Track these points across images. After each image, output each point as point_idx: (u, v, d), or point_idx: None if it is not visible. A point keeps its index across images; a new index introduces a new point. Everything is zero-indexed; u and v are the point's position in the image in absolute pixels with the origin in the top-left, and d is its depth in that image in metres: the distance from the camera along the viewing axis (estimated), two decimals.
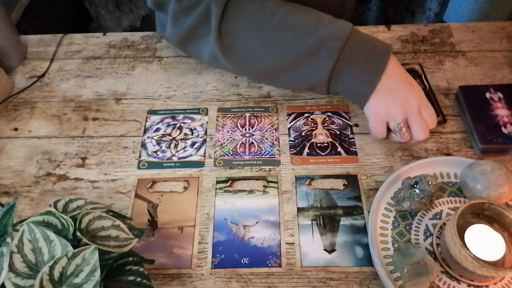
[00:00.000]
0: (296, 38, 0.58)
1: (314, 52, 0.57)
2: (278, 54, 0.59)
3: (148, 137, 0.65)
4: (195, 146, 0.64)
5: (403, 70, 0.59)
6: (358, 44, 0.57)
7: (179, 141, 0.65)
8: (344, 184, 0.59)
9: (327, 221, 0.56)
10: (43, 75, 0.74)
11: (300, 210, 0.57)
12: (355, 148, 0.63)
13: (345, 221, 0.56)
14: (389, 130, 0.59)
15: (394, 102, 0.56)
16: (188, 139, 0.65)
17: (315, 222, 0.56)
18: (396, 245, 0.53)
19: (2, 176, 0.62)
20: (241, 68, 0.66)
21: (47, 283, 0.37)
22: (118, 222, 0.43)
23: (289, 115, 0.67)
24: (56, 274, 0.38)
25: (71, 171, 0.62)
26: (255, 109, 0.68)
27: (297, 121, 0.67)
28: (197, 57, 0.72)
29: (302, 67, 0.59)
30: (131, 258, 0.44)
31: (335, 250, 0.53)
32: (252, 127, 0.66)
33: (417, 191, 0.54)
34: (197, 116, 0.68)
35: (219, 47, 0.62)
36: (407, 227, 0.54)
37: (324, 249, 0.53)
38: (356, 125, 0.66)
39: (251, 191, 0.59)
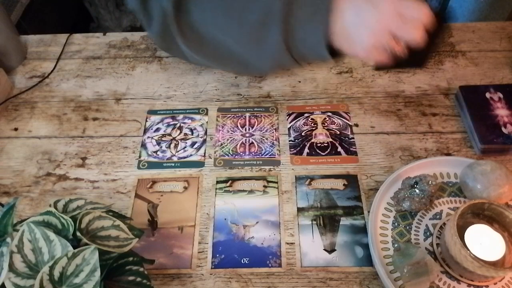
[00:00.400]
0: (244, 10, 0.54)
1: (263, 23, 0.53)
2: (236, 27, 0.55)
3: (148, 137, 0.65)
4: (195, 146, 0.64)
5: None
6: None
7: (179, 141, 0.65)
8: (344, 184, 0.59)
9: (327, 221, 0.56)
10: (48, 76, 0.74)
11: (300, 210, 0.57)
12: (355, 148, 0.63)
13: (345, 221, 0.56)
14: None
15: (365, 12, 0.49)
16: (188, 139, 0.65)
17: (315, 222, 0.56)
18: (396, 245, 0.53)
19: (2, 176, 0.62)
20: (205, 53, 0.62)
21: (47, 283, 0.37)
22: (118, 222, 0.43)
23: (289, 115, 0.67)
24: (56, 274, 0.38)
25: (71, 171, 0.62)
26: (255, 109, 0.68)
27: (297, 121, 0.67)
28: (184, 59, 0.70)
29: (259, 40, 0.55)
30: (131, 258, 0.44)
31: (335, 250, 0.53)
32: (252, 127, 0.66)
33: (417, 191, 0.54)
34: (197, 116, 0.68)
35: (183, 42, 0.60)
36: (407, 227, 0.54)
37: (324, 249, 0.53)
38: (356, 125, 0.66)
39: (251, 191, 0.59)
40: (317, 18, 0.51)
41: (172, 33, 0.59)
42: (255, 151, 0.63)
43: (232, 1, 0.54)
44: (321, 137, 0.65)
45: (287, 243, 0.54)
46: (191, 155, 0.63)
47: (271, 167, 0.61)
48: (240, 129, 0.66)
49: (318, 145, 0.64)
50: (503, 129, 0.61)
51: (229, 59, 0.61)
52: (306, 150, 0.63)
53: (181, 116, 0.68)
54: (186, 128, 0.66)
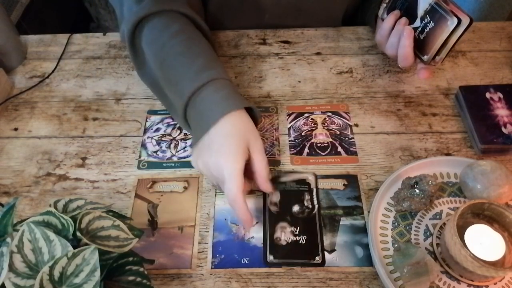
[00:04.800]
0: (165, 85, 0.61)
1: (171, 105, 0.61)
2: (160, 81, 0.62)
3: (148, 137, 0.65)
4: None
5: (235, 134, 0.51)
6: (196, 108, 0.55)
7: (179, 141, 0.65)
8: (344, 184, 0.59)
9: (327, 221, 0.56)
10: (48, 76, 0.74)
11: None
12: (355, 148, 0.63)
13: (345, 221, 0.56)
14: None
15: (207, 160, 0.52)
16: (188, 139, 0.65)
17: None
18: (396, 245, 0.53)
19: (2, 176, 0.62)
20: (146, 80, 0.68)
21: (47, 283, 0.37)
22: (118, 222, 0.43)
23: (289, 115, 0.67)
24: (56, 274, 0.38)
25: (71, 171, 0.62)
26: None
27: (297, 121, 0.67)
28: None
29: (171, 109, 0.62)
30: (131, 258, 0.44)
31: (335, 250, 0.53)
32: None
33: (417, 191, 0.54)
34: None
35: (135, 66, 0.67)
36: (407, 227, 0.54)
37: (324, 249, 0.53)
38: (356, 125, 0.66)
39: (251, 191, 0.59)
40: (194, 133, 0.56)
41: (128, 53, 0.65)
42: None
43: (165, 58, 0.59)
44: (321, 137, 0.65)
45: None
46: (191, 155, 0.63)
47: (271, 167, 0.61)
48: None
49: (318, 145, 0.64)
50: (503, 129, 0.61)
51: (160, 93, 0.65)
52: (306, 150, 0.63)
53: None
54: None
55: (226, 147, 0.50)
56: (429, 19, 0.60)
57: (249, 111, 0.55)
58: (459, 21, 0.56)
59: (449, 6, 0.57)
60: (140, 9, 0.61)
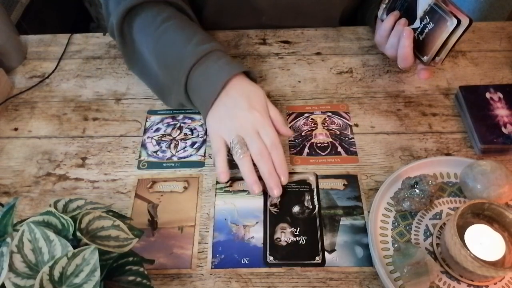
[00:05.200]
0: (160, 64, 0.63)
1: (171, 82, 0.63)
2: (157, 62, 0.64)
3: (148, 137, 0.65)
4: (195, 146, 0.64)
5: (249, 90, 0.59)
6: (201, 72, 0.60)
7: (179, 141, 0.65)
8: (344, 184, 0.59)
9: (327, 221, 0.56)
10: (48, 76, 0.74)
11: None
12: (355, 148, 0.63)
13: (345, 221, 0.56)
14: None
15: (226, 120, 0.57)
16: (188, 139, 0.65)
17: None
18: (396, 245, 0.53)
19: (2, 176, 0.62)
20: (136, 69, 0.69)
21: (47, 283, 0.37)
22: (118, 222, 0.43)
23: (289, 115, 0.67)
24: (56, 274, 0.38)
25: (71, 171, 0.62)
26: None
27: (297, 121, 0.67)
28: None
29: (171, 79, 0.62)
30: (131, 258, 0.44)
31: (335, 250, 0.53)
32: None
33: (417, 191, 0.54)
34: (197, 116, 0.68)
35: (123, 54, 0.69)
36: (407, 227, 0.54)
37: (324, 249, 0.53)
38: (356, 125, 0.66)
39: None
40: (207, 96, 0.59)
41: (115, 38, 0.67)
42: None
43: (161, 36, 0.62)
44: (321, 137, 0.65)
45: None
46: (191, 155, 0.63)
47: None
48: None
49: (318, 145, 0.64)
50: (503, 129, 0.61)
51: (152, 80, 0.68)
52: (306, 150, 0.63)
53: (181, 116, 0.68)
54: (186, 128, 0.66)
55: (244, 101, 0.57)
56: (428, 20, 0.60)
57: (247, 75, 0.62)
58: (459, 22, 0.56)
59: (449, 7, 0.57)
60: (128, 1, 0.63)
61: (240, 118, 0.57)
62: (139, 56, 0.66)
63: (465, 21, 0.56)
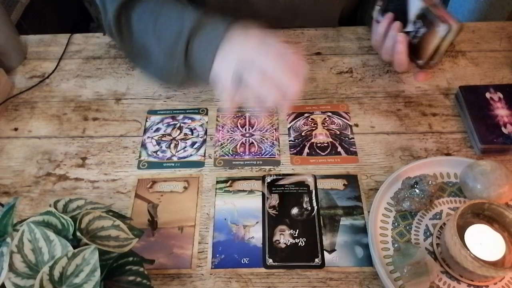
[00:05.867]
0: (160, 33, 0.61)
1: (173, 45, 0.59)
2: (157, 40, 0.62)
3: (148, 137, 0.65)
4: (195, 146, 0.64)
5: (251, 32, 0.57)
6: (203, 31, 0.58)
7: (179, 141, 0.65)
8: (344, 184, 0.59)
9: (327, 221, 0.56)
10: (48, 76, 0.74)
11: None
12: (355, 148, 0.63)
13: (345, 221, 0.56)
14: None
15: (233, 53, 0.55)
16: (188, 139, 0.65)
17: None
18: (396, 245, 0.53)
19: (2, 176, 0.62)
20: (133, 56, 0.67)
21: (47, 283, 0.37)
22: (118, 222, 0.43)
23: (289, 115, 0.67)
24: (56, 274, 0.38)
25: (71, 171, 0.62)
26: (256, 109, 0.68)
27: (297, 121, 0.67)
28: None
29: (171, 55, 0.60)
30: (131, 258, 0.44)
31: (335, 250, 0.53)
32: (252, 127, 0.66)
33: (417, 191, 0.54)
34: (197, 116, 0.68)
35: (120, 44, 0.66)
36: (407, 227, 0.54)
37: (324, 249, 0.53)
38: (356, 125, 0.66)
39: (251, 191, 0.59)
40: (209, 48, 0.56)
41: (113, 34, 0.65)
42: (255, 151, 0.63)
43: (158, 16, 0.61)
44: (321, 137, 0.65)
45: None
46: (191, 155, 0.63)
47: (271, 167, 0.61)
48: (240, 129, 0.66)
49: (318, 145, 0.64)
50: (503, 129, 0.61)
51: (152, 65, 0.65)
52: (306, 150, 0.63)
53: (181, 116, 0.68)
54: (186, 128, 0.66)
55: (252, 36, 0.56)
56: (421, 23, 0.60)
57: None
58: (449, 27, 0.56)
59: (438, 12, 0.58)
60: None
61: (245, 47, 0.55)
62: (139, 46, 0.65)
63: (455, 27, 0.57)
